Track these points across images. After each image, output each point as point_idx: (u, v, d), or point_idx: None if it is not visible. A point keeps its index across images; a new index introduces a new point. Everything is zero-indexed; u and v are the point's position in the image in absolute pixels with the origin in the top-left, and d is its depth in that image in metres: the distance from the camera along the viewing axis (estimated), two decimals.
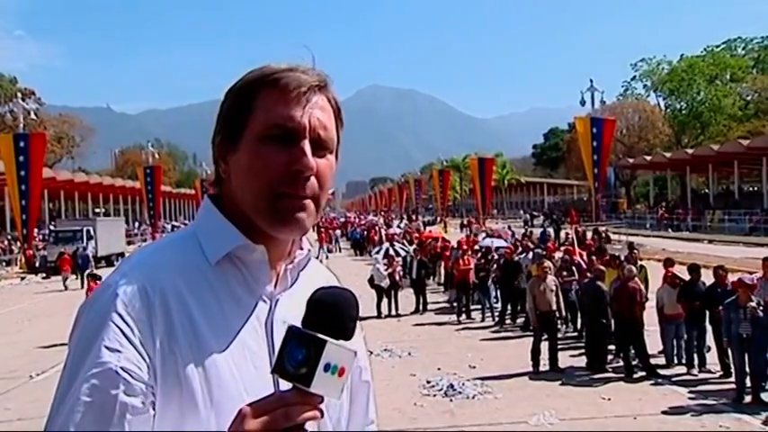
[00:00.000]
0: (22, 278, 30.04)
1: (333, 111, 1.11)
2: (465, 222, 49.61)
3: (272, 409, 0.87)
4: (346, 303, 0.94)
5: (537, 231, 30.56)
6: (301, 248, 1.16)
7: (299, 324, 0.90)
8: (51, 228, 37.48)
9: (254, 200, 1.06)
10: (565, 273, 12.30)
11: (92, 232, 32.30)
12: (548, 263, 11.32)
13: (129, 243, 42.40)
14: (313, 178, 1.06)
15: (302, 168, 1.04)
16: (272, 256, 1.11)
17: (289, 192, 1.04)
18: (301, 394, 0.87)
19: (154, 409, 0.97)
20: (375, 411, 1.32)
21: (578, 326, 12.26)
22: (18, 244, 34.04)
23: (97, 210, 57.28)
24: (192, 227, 1.14)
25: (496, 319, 14.11)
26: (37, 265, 31.39)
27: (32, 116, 40.47)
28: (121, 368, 0.95)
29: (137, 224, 56.99)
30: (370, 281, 15.68)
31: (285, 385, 0.89)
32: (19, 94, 42.10)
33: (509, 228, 31.11)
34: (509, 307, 14.03)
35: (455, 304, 15.15)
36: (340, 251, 37.21)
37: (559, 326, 11.22)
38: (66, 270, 25.54)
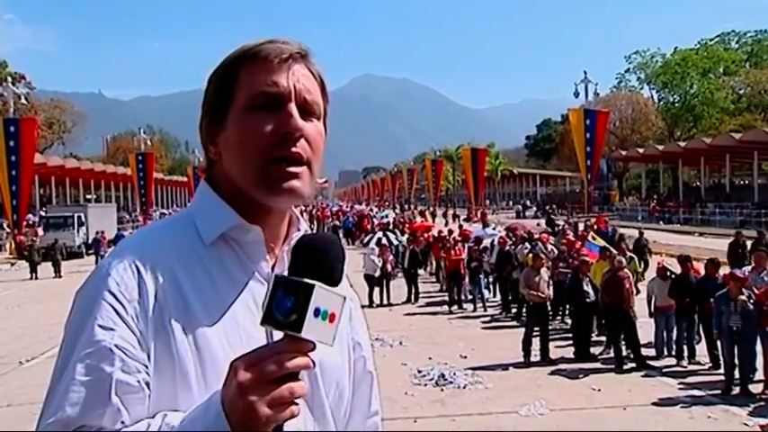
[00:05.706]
0: (12, 264, 29.86)
1: (317, 81, 1.11)
2: (454, 213, 49.13)
3: (263, 358, 0.85)
4: (330, 246, 0.93)
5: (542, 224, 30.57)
6: (299, 229, 1.15)
7: None
8: (42, 213, 37.20)
9: (246, 171, 1.05)
10: (562, 264, 12.32)
11: (83, 218, 32.13)
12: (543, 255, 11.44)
13: (120, 230, 42.24)
14: (303, 140, 1.05)
15: (291, 130, 1.03)
16: (269, 236, 1.10)
17: (281, 154, 1.03)
18: (292, 342, 0.85)
19: (149, 388, 0.96)
20: (379, 403, 1.30)
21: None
22: (8, 230, 33.79)
23: (88, 196, 56.93)
24: (189, 209, 1.14)
25: (488, 309, 14.15)
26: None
27: (23, 101, 40.06)
28: (116, 345, 0.94)
29: (127, 211, 56.66)
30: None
31: None
32: (9, 79, 41.54)
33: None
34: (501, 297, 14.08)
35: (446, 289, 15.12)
36: None
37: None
38: (104, 245, 27.98)
